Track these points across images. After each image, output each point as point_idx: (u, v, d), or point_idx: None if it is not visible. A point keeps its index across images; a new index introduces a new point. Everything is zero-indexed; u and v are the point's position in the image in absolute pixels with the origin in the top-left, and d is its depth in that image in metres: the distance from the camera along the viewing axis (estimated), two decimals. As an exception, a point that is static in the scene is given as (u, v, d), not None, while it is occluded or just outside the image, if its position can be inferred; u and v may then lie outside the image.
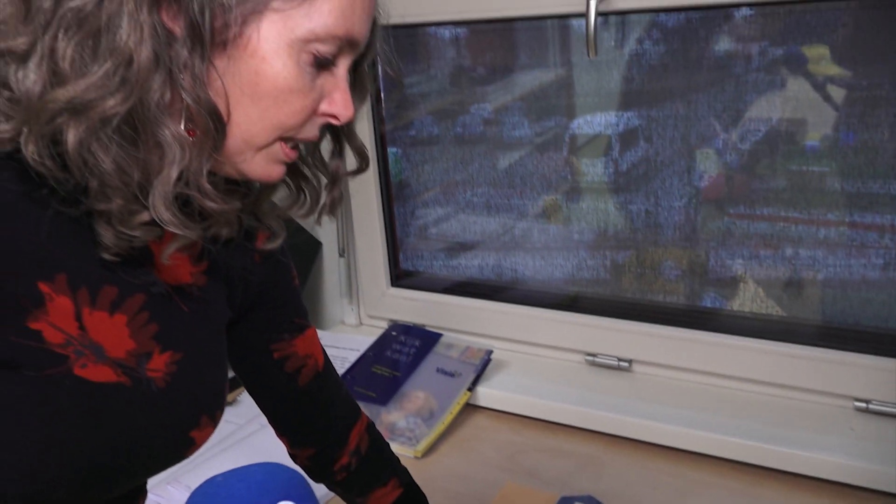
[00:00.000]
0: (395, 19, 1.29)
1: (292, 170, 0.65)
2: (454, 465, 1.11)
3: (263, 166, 0.59)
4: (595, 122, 1.28)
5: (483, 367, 1.26)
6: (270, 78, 0.54)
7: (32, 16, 0.50)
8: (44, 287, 0.52)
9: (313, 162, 0.66)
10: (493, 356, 1.28)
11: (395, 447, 1.14)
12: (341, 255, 1.49)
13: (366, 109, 1.37)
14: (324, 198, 0.67)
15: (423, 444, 1.14)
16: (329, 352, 1.42)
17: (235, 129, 0.56)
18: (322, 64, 0.57)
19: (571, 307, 1.32)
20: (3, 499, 0.53)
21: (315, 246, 1.52)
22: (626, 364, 1.26)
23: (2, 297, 0.50)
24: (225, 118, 0.55)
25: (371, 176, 1.42)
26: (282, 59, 0.54)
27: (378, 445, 0.87)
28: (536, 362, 1.32)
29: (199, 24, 0.51)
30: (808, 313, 1.17)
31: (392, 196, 1.48)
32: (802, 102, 1.09)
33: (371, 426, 0.87)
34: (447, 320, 1.40)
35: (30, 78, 0.49)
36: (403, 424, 1.18)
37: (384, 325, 1.47)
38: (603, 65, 1.22)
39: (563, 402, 1.19)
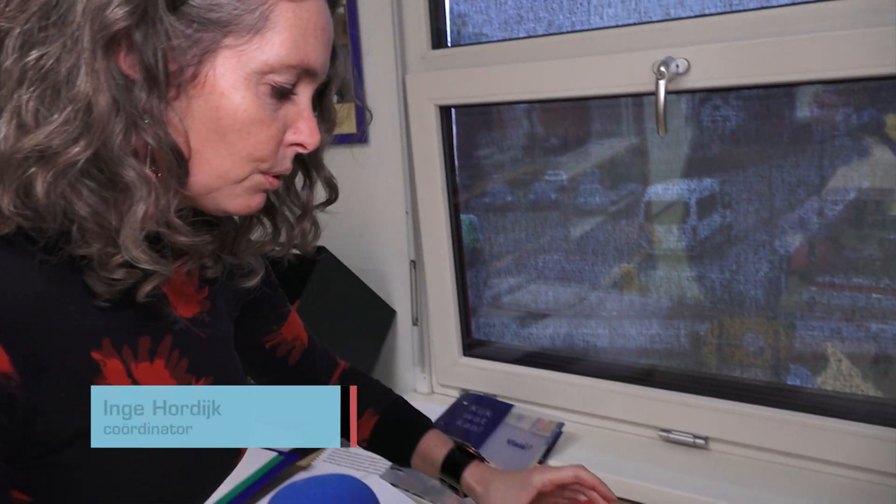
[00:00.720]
0: (472, 99, 1.37)
1: (265, 205, 0.68)
2: (523, 540, 1.09)
3: (244, 198, 0.62)
4: (671, 189, 1.28)
5: (554, 439, 1.24)
6: (231, 112, 0.57)
7: (1, 79, 0.54)
8: (96, 355, 0.57)
9: (286, 195, 0.69)
10: (564, 429, 1.27)
11: (465, 519, 1.14)
12: (414, 323, 1.52)
13: (440, 179, 1.42)
14: (296, 230, 0.70)
15: (493, 518, 1.13)
16: (401, 419, 1.44)
17: (207, 166, 0.58)
18: (282, 94, 0.59)
19: (645, 381, 1.30)
20: None
21: (389, 314, 1.55)
22: (702, 441, 1.22)
23: (68, 373, 0.55)
24: (186, 155, 0.57)
25: (444, 244, 1.45)
26: (240, 93, 0.57)
27: (349, 385, 0.91)
28: (609, 436, 1.30)
29: (154, 69, 0.54)
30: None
31: (465, 265, 1.51)
32: (888, 170, 1.07)
33: (346, 372, 0.95)
34: (518, 391, 1.40)
35: (0, 133, 0.53)
36: (473, 496, 1.18)
37: (455, 394, 1.48)
38: (679, 131, 1.22)
39: (637, 479, 1.16)
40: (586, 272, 1.38)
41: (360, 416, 0.92)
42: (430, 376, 1.55)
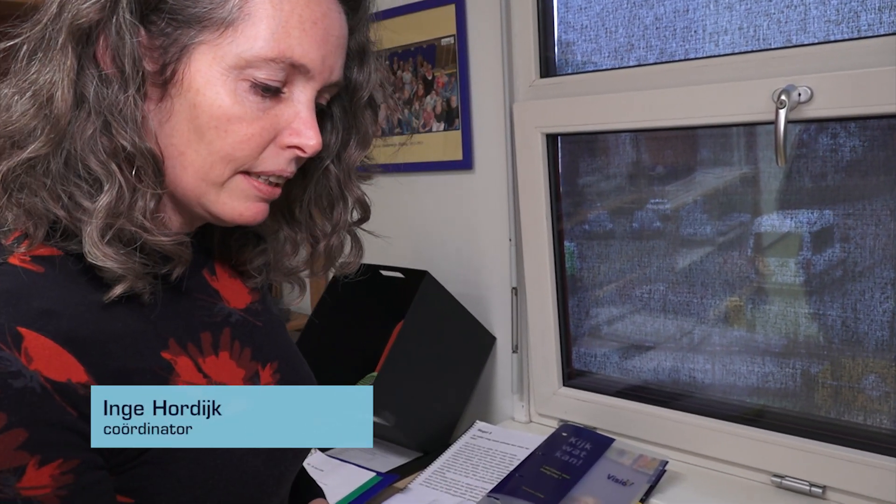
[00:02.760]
0: (579, 127, 1.36)
1: (289, 219, 0.68)
2: (624, 581, 1.06)
3: (233, 205, 0.60)
4: (784, 221, 1.22)
5: (658, 477, 1.20)
6: (206, 109, 0.56)
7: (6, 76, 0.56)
8: (166, 355, 0.60)
9: (311, 208, 0.68)
10: (668, 467, 1.22)
11: (563, 555, 1.11)
12: (514, 350, 1.52)
13: (544, 206, 1.41)
14: (320, 246, 0.69)
15: (592, 555, 1.10)
16: (498, 447, 1.44)
17: (191, 168, 0.58)
18: (267, 91, 0.57)
19: (757, 422, 1.24)
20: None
21: (489, 340, 1.55)
22: (818, 490, 1.15)
23: (144, 375, 0.57)
24: (161, 158, 0.57)
25: (547, 272, 1.44)
26: (214, 89, 0.56)
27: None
28: (716, 478, 1.24)
29: (128, 66, 0.54)
30: None
31: (567, 293, 1.49)
32: None
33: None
34: (619, 425, 1.36)
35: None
36: (571, 531, 1.15)
37: (554, 423, 1.46)
38: (793, 161, 1.17)
39: (746, 526, 1.10)
40: (692, 304, 1.34)
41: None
42: (529, 405, 1.53)
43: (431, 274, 1.45)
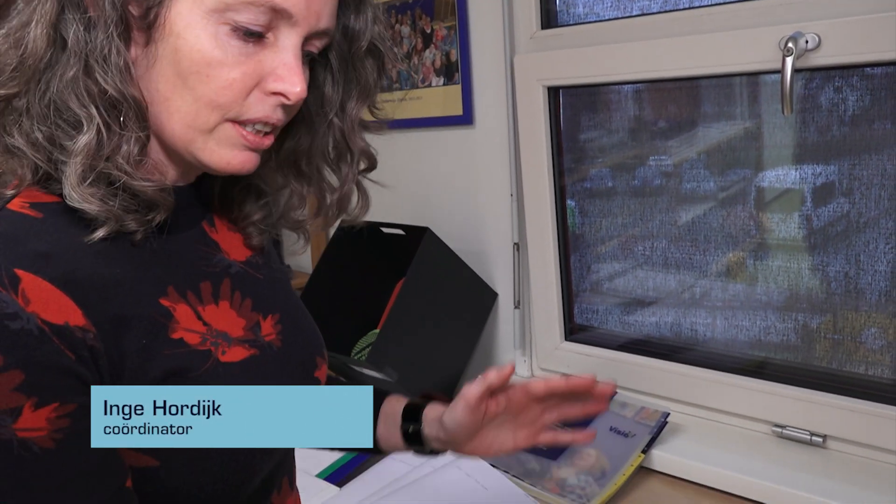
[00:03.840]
0: (581, 79, 1.34)
1: (297, 173, 0.68)
2: (626, 529, 1.07)
3: (220, 153, 0.60)
4: (786, 175, 1.21)
5: (659, 429, 1.21)
6: (187, 53, 0.56)
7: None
8: (165, 302, 0.60)
9: (318, 162, 0.68)
10: (669, 419, 1.23)
11: (566, 504, 1.13)
12: (517, 306, 1.52)
13: (545, 160, 1.40)
14: (326, 198, 0.69)
15: (595, 505, 1.11)
16: (501, 401, 1.44)
17: (177, 115, 0.58)
18: (250, 35, 0.57)
19: (758, 373, 1.25)
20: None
21: (491, 296, 1.55)
22: (819, 439, 1.16)
23: (143, 321, 0.57)
24: (144, 104, 0.56)
25: (549, 227, 1.43)
26: (195, 33, 0.55)
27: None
28: (717, 429, 1.26)
29: (114, 11, 0.54)
30: None
31: (569, 249, 1.49)
32: None
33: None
34: (621, 378, 1.37)
35: None
36: (574, 482, 1.16)
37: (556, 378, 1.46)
38: (796, 115, 1.15)
39: (748, 475, 1.11)
40: (694, 260, 1.33)
41: None
42: (531, 360, 1.54)
43: (432, 230, 1.44)
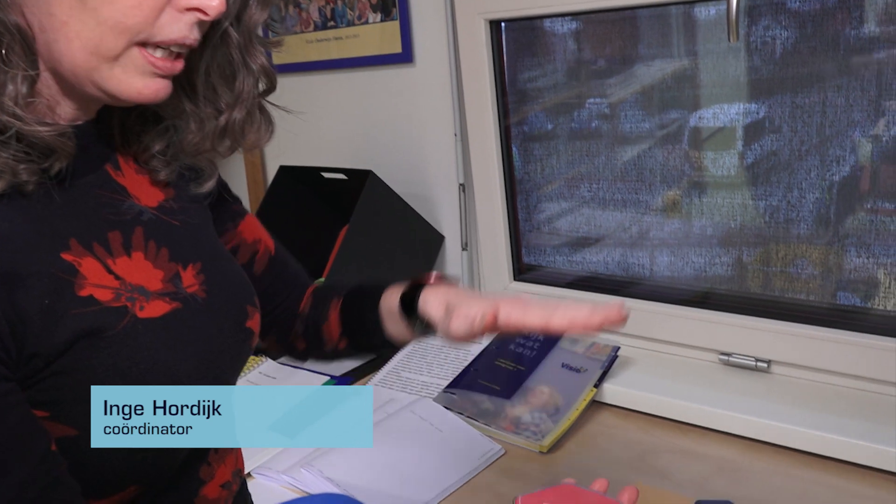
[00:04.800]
0: (525, 11, 1.30)
1: (191, 93, 0.63)
2: (582, 461, 1.09)
3: (128, 80, 0.55)
4: (720, 113, 1.22)
5: (610, 363, 1.22)
6: None
7: None
8: (67, 256, 0.55)
9: (214, 80, 0.63)
10: (620, 352, 1.24)
11: (521, 441, 1.13)
12: (464, 248, 1.50)
13: (489, 98, 1.37)
14: (223, 120, 0.64)
15: (549, 439, 1.12)
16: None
17: (77, 41, 0.52)
18: None
19: (703, 304, 1.27)
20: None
21: (438, 239, 1.53)
22: (764, 364, 1.19)
23: (42, 279, 0.53)
24: (30, 33, 0.51)
25: (495, 167, 1.41)
26: None
27: (318, 297, 0.84)
28: (666, 360, 1.28)
29: None
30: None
31: (516, 188, 1.47)
32: None
33: (318, 286, 0.86)
34: (571, 315, 1.37)
35: None
36: (528, 419, 1.17)
37: (506, 318, 1.46)
38: (729, 53, 1.16)
39: (697, 403, 1.13)
40: (637, 198, 1.34)
41: (325, 314, 0.81)
42: (480, 302, 1.53)
43: (375, 173, 1.40)
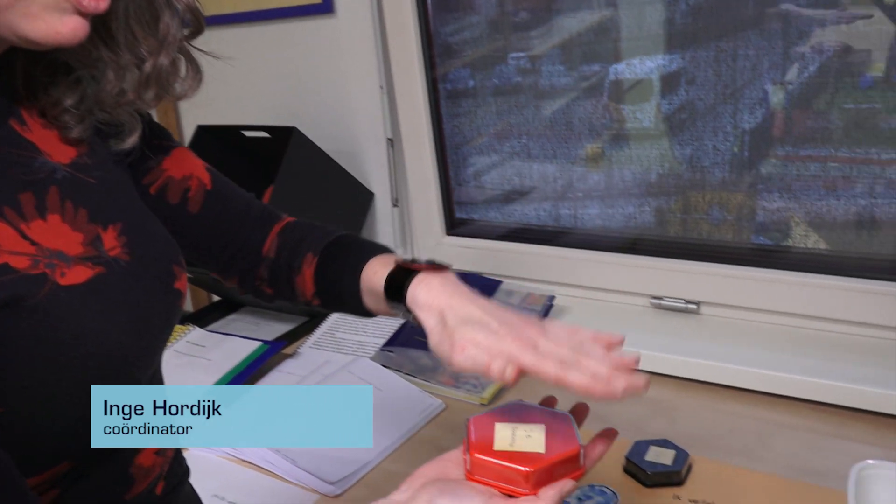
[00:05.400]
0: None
1: (107, 38, 0.58)
2: (521, 411, 1.09)
3: (47, 19, 0.50)
4: (638, 66, 1.23)
5: (546, 312, 1.23)
6: None
7: None
8: None
9: (132, 23, 0.58)
10: (555, 302, 1.25)
11: (461, 394, 1.13)
12: (394, 204, 1.47)
13: (415, 49, 1.33)
14: (148, 67, 0.59)
15: (490, 392, 1.12)
16: (387, 302, 1.41)
17: None
18: None
19: (634, 250, 1.28)
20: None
21: (367, 196, 1.49)
22: (693, 306, 1.22)
23: None
24: None
25: (423, 120, 1.38)
26: None
27: (287, 243, 0.78)
28: (600, 307, 1.29)
29: None
30: (883, 248, 1.10)
31: (445, 146, 1.44)
32: (862, 35, 1.02)
33: (286, 227, 0.80)
34: (505, 267, 1.37)
35: None
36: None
37: (441, 274, 1.45)
38: (646, 6, 1.16)
39: (630, 346, 1.13)
40: (564, 151, 1.34)
41: (298, 267, 0.76)
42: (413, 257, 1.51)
43: (300, 130, 1.35)
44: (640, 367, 0.63)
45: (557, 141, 1.33)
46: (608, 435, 0.63)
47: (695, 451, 0.92)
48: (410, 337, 1.26)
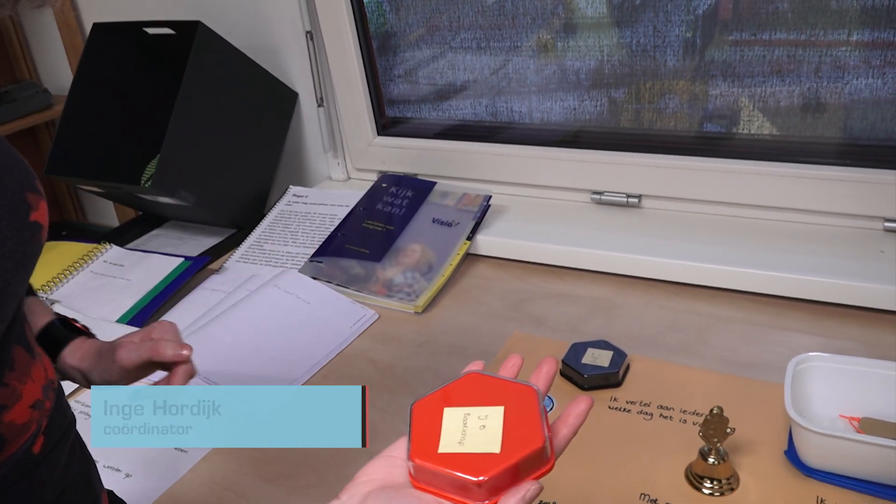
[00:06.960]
0: None
1: None
2: (458, 318, 1.05)
3: None
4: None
5: (482, 213, 1.17)
6: None
7: None
8: None
9: None
10: (492, 201, 1.19)
11: (394, 304, 1.08)
12: (320, 104, 1.37)
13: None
14: None
15: (424, 299, 1.07)
16: (316, 210, 1.34)
17: None
18: None
19: (573, 144, 1.22)
20: None
21: (290, 96, 1.39)
22: (634, 200, 1.17)
23: None
24: None
25: (343, 10, 1.26)
26: None
27: None
28: (539, 204, 1.24)
29: None
30: (829, 132, 1.06)
31: (370, 39, 1.33)
32: None
33: None
34: (441, 167, 1.30)
35: None
36: (401, 280, 1.11)
37: (373, 177, 1.37)
38: None
39: (570, 245, 1.11)
40: (504, 43, 1.24)
41: None
42: (345, 161, 1.42)
43: (205, 24, 1.22)
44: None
45: (497, 31, 1.23)
46: (580, 406, 0.51)
47: (633, 351, 0.89)
48: (341, 246, 1.19)
